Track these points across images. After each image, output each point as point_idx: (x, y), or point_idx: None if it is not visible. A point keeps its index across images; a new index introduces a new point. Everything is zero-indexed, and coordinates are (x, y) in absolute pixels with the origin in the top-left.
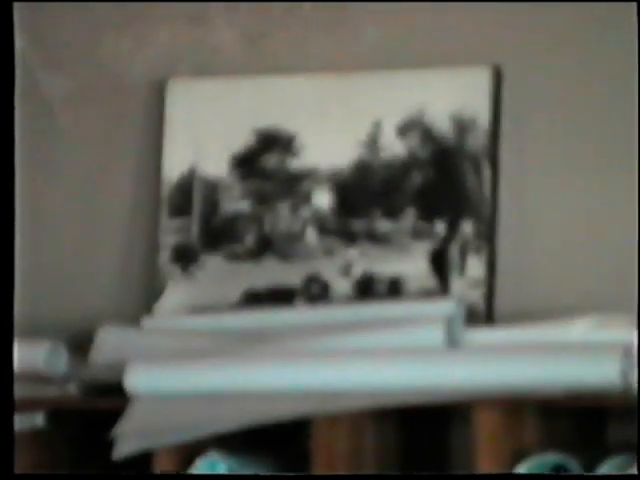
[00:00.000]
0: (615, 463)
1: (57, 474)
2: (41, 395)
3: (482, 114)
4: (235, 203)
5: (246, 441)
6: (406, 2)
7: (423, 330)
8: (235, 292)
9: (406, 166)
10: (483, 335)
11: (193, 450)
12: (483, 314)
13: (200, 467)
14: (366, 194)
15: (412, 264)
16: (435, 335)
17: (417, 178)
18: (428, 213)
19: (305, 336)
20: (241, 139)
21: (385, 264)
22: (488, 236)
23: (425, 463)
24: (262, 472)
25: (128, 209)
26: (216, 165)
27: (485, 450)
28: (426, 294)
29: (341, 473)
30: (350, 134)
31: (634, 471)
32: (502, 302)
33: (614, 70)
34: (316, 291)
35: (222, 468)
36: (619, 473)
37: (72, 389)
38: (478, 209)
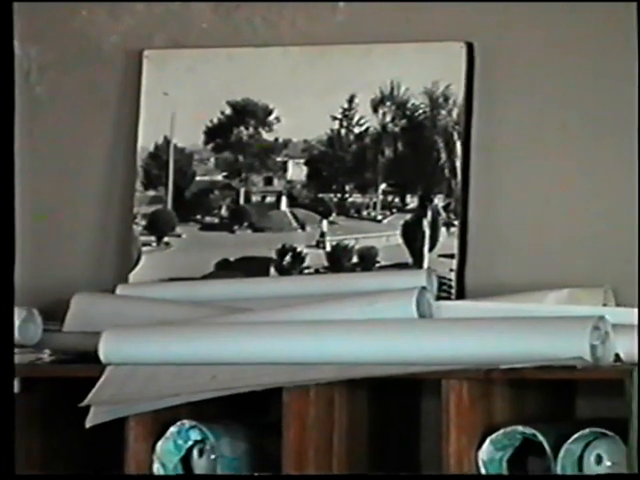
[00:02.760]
0: (583, 436)
1: (57, 474)
2: (15, 362)
3: (455, 90)
4: (209, 174)
5: (219, 410)
6: None
7: (395, 302)
8: (209, 262)
9: (379, 140)
10: (454, 308)
11: (166, 418)
12: (454, 287)
13: (173, 435)
14: (339, 167)
15: (384, 237)
16: (406, 307)
17: (390, 152)
18: (400, 187)
19: (277, 306)
20: (216, 111)
21: (357, 236)
22: (459, 210)
23: (395, 434)
24: (234, 441)
25: (104, 179)
26: (191, 136)
27: (455, 421)
28: (398, 267)
29: (311, 442)
30: (324, 107)
31: (601, 445)
32: (473, 276)
33: (586, 45)
34: (289, 262)
35: (195, 436)
36: (585, 446)
37: (46, 356)
38: (450, 183)
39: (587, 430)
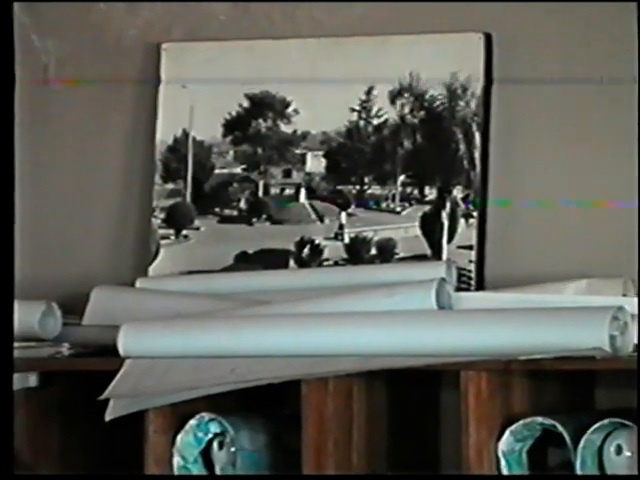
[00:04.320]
0: (603, 427)
1: (57, 474)
2: (35, 356)
3: (474, 81)
4: (228, 167)
5: (238, 403)
6: None
7: (414, 293)
8: (228, 255)
9: (397, 131)
10: (473, 299)
11: (185, 411)
12: (473, 279)
13: (193, 427)
14: (358, 159)
15: (403, 229)
16: (426, 298)
17: (408, 143)
18: (419, 178)
19: (296, 299)
20: (234, 103)
21: (376, 228)
22: (479, 202)
23: (414, 426)
24: (253, 434)
25: (122, 172)
26: (209, 129)
27: (474, 413)
28: (416, 258)
29: (331, 435)
30: (342, 99)
31: (620, 435)
32: (492, 267)
33: (607, 37)
34: (308, 254)
35: (214, 428)
36: (605, 436)
37: (65, 350)
38: (469, 175)
39: (607, 420)
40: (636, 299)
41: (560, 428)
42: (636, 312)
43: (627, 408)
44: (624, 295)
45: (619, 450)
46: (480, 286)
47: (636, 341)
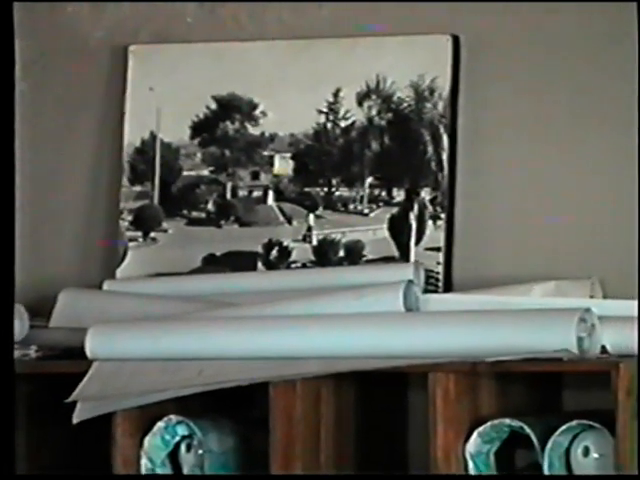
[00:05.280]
0: (570, 428)
1: (57, 474)
2: None
3: (441, 83)
4: (196, 169)
5: (205, 405)
6: None
7: (382, 295)
8: (196, 257)
9: (365, 133)
10: (441, 301)
11: (153, 413)
12: (441, 280)
13: (160, 430)
14: (326, 161)
15: (371, 231)
16: (394, 300)
17: (376, 145)
18: (387, 180)
19: (264, 301)
20: (202, 105)
21: (344, 230)
22: (446, 204)
23: (383, 427)
24: (221, 436)
25: (90, 175)
26: (177, 131)
27: (442, 415)
28: (384, 260)
29: (299, 437)
30: (310, 101)
31: (588, 437)
32: (460, 268)
33: (573, 38)
34: (276, 257)
35: (182, 431)
36: (572, 438)
37: (32, 352)
38: (436, 177)
39: (574, 422)
40: (616, 301)
41: (527, 430)
42: (604, 314)
43: (594, 410)
44: (591, 297)
45: (586, 452)
46: (448, 288)
47: (605, 343)
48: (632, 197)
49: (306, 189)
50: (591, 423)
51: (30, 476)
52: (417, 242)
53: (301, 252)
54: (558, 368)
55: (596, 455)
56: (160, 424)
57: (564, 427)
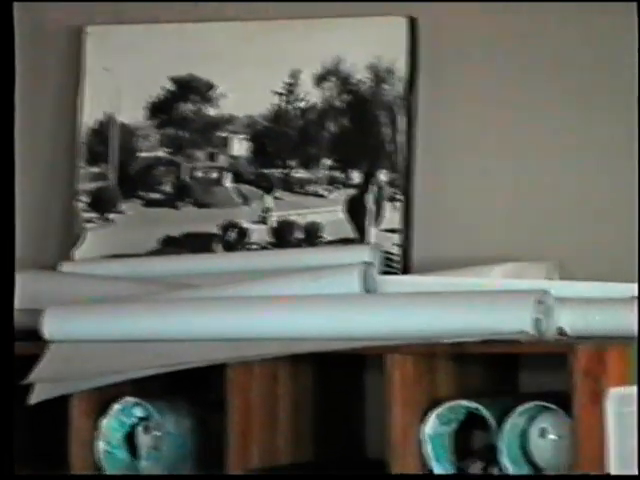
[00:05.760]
0: (527, 410)
1: (57, 475)
2: None
3: (399, 64)
4: (153, 150)
5: (163, 387)
6: None
7: (339, 277)
8: (153, 238)
9: (323, 115)
10: (398, 282)
11: (110, 395)
12: (399, 262)
13: (117, 412)
14: (283, 142)
15: (328, 212)
16: (350, 282)
17: (333, 127)
18: (345, 162)
19: (222, 283)
20: (159, 86)
21: (302, 212)
22: (404, 185)
23: (340, 409)
24: (179, 418)
25: (46, 156)
26: (133, 112)
27: (399, 396)
28: (342, 242)
29: (256, 419)
30: (267, 83)
31: (545, 419)
32: (418, 250)
33: (533, 20)
34: (233, 238)
35: (139, 412)
36: (529, 420)
37: None
38: (394, 158)
39: (531, 404)
40: (573, 283)
41: (484, 411)
42: (561, 295)
43: (551, 391)
44: (548, 279)
45: (543, 433)
46: (406, 270)
47: (563, 324)
48: (588, 179)
49: (263, 170)
50: (548, 404)
51: (30, 476)
52: (375, 224)
53: (259, 234)
54: (515, 349)
55: (553, 436)
56: (117, 406)
57: (521, 408)
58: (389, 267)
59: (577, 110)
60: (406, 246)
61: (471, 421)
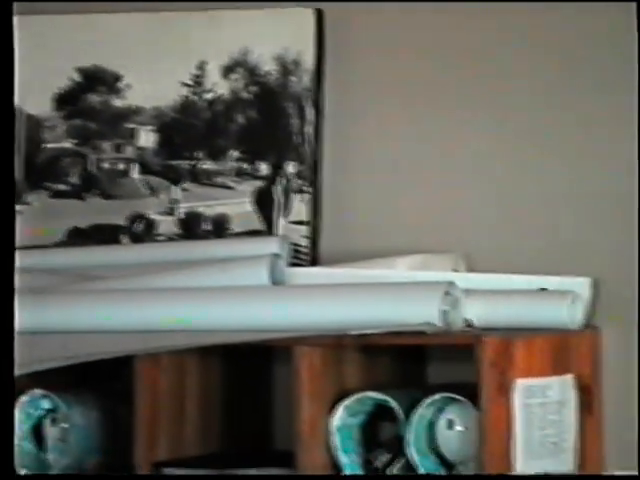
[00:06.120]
0: (435, 401)
1: (58, 474)
2: None
3: (306, 56)
4: (59, 141)
5: (69, 379)
6: None
7: (246, 269)
8: (60, 230)
9: (230, 107)
10: (306, 274)
11: (17, 387)
12: (308, 254)
13: (24, 404)
14: (190, 134)
15: (236, 204)
16: (258, 274)
17: (241, 119)
18: (253, 154)
19: (129, 274)
20: (66, 77)
21: (210, 204)
22: (312, 177)
23: (249, 400)
24: (86, 410)
25: None
26: (40, 103)
27: (307, 388)
28: (250, 234)
29: (164, 410)
30: (174, 74)
31: (452, 410)
32: (327, 242)
33: (439, 11)
34: (140, 229)
35: (46, 405)
36: (437, 411)
37: None
38: (302, 150)
39: (438, 395)
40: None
41: (392, 403)
42: (468, 287)
43: (460, 383)
44: (455, 270)
45: (450, 424)
46: (315, 262)
47: (470, 316)
48: (495, 172)
49: (171, 162)
50: (455, 396)
51: (30, 476)
52: (283, 215)
53: (166, 225)
54: (422, 341)
55: (460, 428)
56: (24, 398)
57: (428, 400)
58: (297, 259)
59: (490, 102)
60: (314, 238)
61: (380, 413)
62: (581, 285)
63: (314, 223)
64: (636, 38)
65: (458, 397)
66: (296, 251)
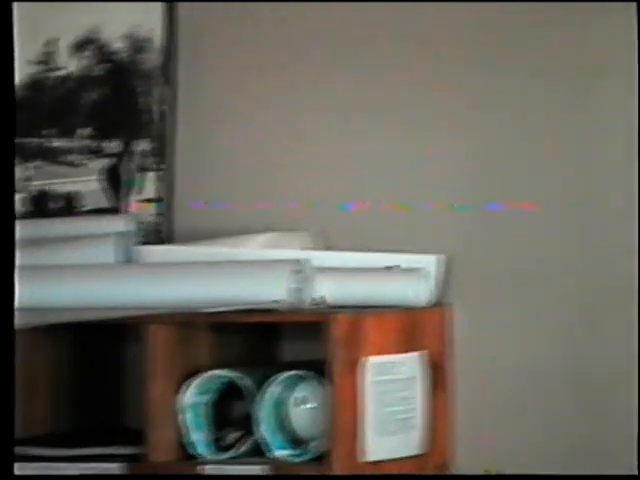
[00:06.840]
0: (285, 379)
1: (57, 475)
2: None
3: (157, 33)
4: None
5: None
6: None
7: (93, 247)
8: None
9: (80, 84)
10: (157, 252)
11: None
12: (159, 232)
13: None
14: (40, 112)
15: (87, 182)
16: (105, 252)
17: (92, 96)
18: (103, 131)
19: None
20: None
21: (60, 181)
22: (164, 154)
23: (99, 379)
24: None
25: None
26: None
27: (157, 366)
28: (101, 212)
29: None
30: (23, 52)
31: (302, 387)
32: (180, 220)
33: None
34: None
35: None
36: (287, 388)
37: None
38: (153, 128)
39: (288, 373)
40: (337, 253)
41: (242, 380)
42: (320, 265)
43: (311, 361)
44: (308, 248)
45: (301, 402)
46: (168, 239)
47: (323, 293)
48: (351, 149)
49: (22, 139)
50: (305, 373)
51: (30, 476)
52: (134, 193)
53: (17, 203)
54: (273, 319)
55: (310, 405)
56: None
57: (279, 377)
58: (149, 237)
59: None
60: (167, 216)
61: (231, 391)
62: (430, 262)
63: (168, 201)
64: (636, 38)
65: (309, 374)
66: (147, 229)
